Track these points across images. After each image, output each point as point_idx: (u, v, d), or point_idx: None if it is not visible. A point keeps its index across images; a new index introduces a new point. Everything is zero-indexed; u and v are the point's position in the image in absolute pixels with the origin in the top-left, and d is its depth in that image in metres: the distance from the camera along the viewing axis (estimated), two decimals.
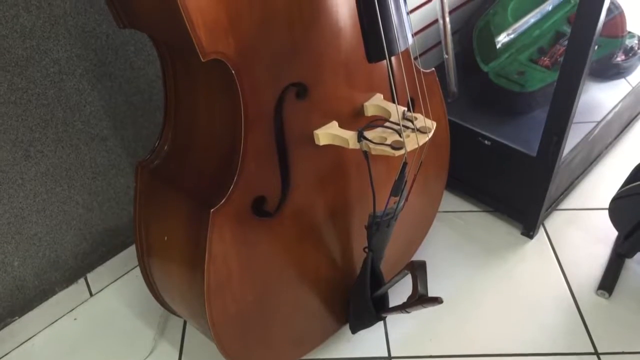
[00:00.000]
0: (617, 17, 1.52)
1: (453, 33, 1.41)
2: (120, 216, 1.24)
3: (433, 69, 1.06)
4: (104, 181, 1.17)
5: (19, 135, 1.01)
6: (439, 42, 1.43)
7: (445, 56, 1.40)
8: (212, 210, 0.80)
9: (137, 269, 1.28)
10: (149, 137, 1.20)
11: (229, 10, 0.72)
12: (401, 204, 0.92)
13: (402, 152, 0.82)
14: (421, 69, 1.00)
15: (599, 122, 1.39)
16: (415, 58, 0.97)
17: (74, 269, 1.21)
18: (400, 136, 0.84)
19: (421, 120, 0.87)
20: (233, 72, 0.76)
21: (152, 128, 1.20)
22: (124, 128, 1.15)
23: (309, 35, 0.81)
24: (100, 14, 1.02)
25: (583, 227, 1.37)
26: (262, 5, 0.74)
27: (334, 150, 0.90)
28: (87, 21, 1.01)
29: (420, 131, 0.85)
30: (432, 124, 0.86)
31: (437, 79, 1.07)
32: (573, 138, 1.29)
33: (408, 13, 0.80)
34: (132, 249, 1.26)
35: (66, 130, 1.07)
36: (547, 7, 1.54)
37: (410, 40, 0.79)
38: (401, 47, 0.78)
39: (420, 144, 0.84)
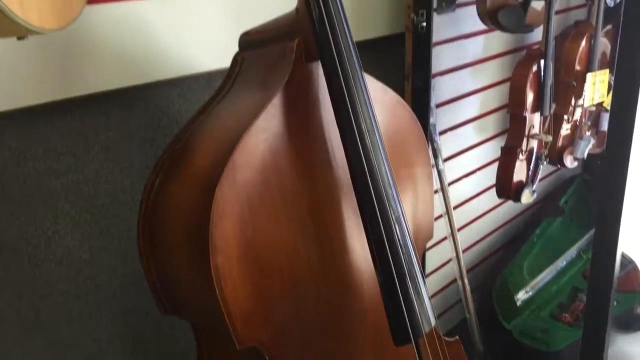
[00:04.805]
0: (630, 271, 1.57)
1: (472, 290, 1.46)
2: None
3: (457, 337, 1.09)
4: None
5: None
6: (459, 300, 1.48)
7: (467, 315, 1.44)
8: None
9: None
10: None
11: (264, 303, 0.78)
12: None
13: None
14: (444, 337, 1.03)
15: None
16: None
17: None
18: None
19: None
20: (266, 357, 0.80)
21: None
22: None
23: (338, 318, 0.87)
24: (142, 293, 1.10)
25: None
26: (293, 297, 0.81)
27: None
28: (129, 301, 1.08)
29: None
30: None
31: (462, 347, 1.09)
32: None
33: (427, 288, 0.86)
34: None
35: None
36: (561, 263, 1.61)
37: (433, 322, 0.84)
38: (425, 329, 0.82)
39: None
